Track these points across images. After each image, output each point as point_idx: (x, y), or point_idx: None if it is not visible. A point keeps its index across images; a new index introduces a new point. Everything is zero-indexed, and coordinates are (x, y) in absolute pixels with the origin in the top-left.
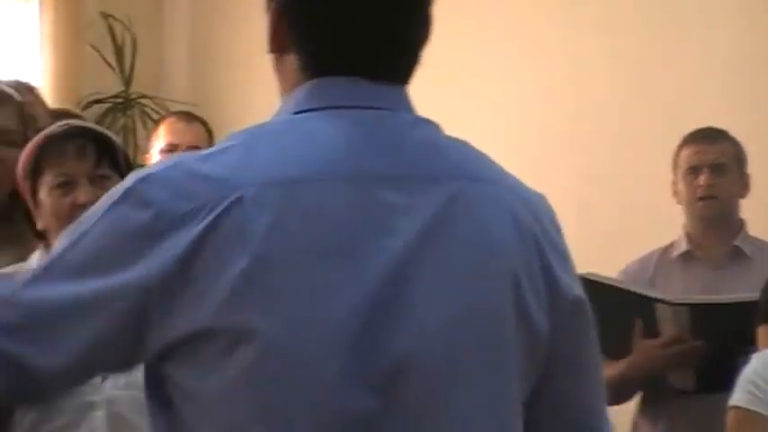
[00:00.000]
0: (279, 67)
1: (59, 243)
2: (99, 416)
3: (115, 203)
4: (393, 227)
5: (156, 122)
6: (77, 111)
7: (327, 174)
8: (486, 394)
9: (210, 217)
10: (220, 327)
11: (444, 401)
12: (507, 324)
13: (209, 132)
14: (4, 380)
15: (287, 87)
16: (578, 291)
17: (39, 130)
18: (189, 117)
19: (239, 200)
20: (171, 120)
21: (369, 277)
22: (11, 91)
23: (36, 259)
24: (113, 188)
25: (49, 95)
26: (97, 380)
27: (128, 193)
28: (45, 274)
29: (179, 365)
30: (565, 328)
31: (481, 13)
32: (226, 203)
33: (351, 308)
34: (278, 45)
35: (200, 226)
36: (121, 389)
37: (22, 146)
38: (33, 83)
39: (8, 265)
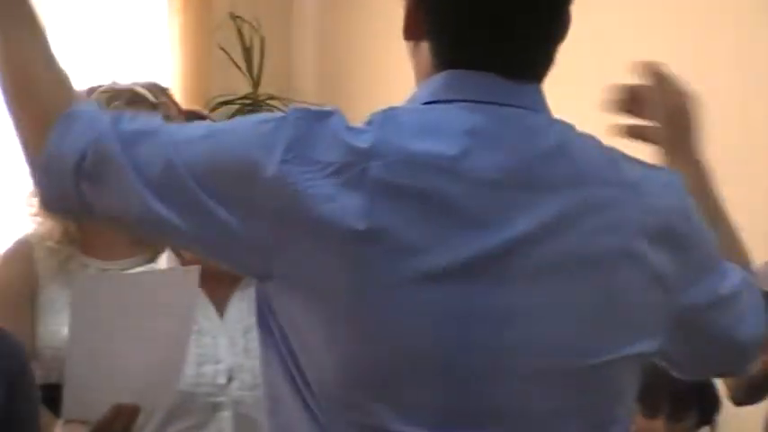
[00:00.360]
0: (414, 53)
1: None
2: (226, 416)
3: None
4: (513, 223)
5: None
6: (206, 112)
7: (454, 165)
8: None
9: (343, 177)
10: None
11: None
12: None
13: None
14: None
15: (421, 75)
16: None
17: None
18: None
19: (366, 169)
20: None
21: None
22: (145, 92)
23: (165, 260)
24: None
25: (179, 97)
26: (223, 380)
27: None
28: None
29: None
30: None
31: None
32: (357, 169)
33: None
34: (413, 32)
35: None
36: (247, 390)
37: None
38: (163, 84)
39: (138, 265)
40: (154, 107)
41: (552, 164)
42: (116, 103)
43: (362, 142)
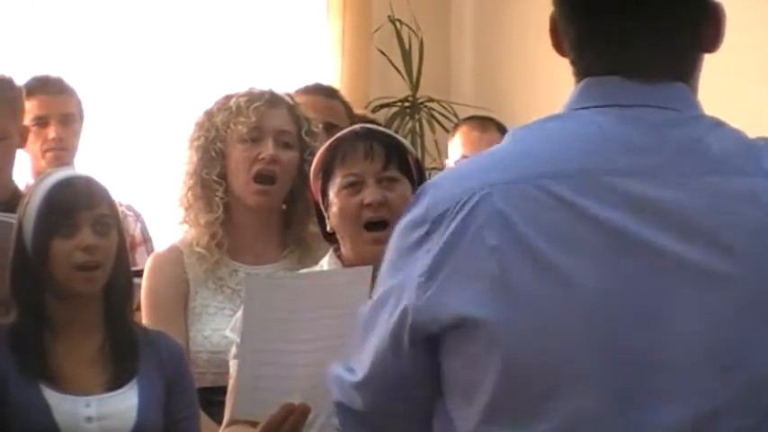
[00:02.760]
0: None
1: None
2: None
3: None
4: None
5: (453, 127)
6: (372, 115)
7: (582, 169)
8: None
9: (459, 216)
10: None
11: None
12: None
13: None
14: None
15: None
16: None
17: (312, 133)
18: (483, 124)
19: (487, 196)
20: (465, 128)
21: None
22: (283, 94)
23: (326, 262)
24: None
25: None
26: None
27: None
28: None
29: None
30: None
31: None
32: (474, 200)
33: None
34: (556, 47)
35: (451, 226)
36: None
37: (296, 147)
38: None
39: (286, 269)
40: (292, 108)
41: (683, 156)
42: (256, 104)
43: None
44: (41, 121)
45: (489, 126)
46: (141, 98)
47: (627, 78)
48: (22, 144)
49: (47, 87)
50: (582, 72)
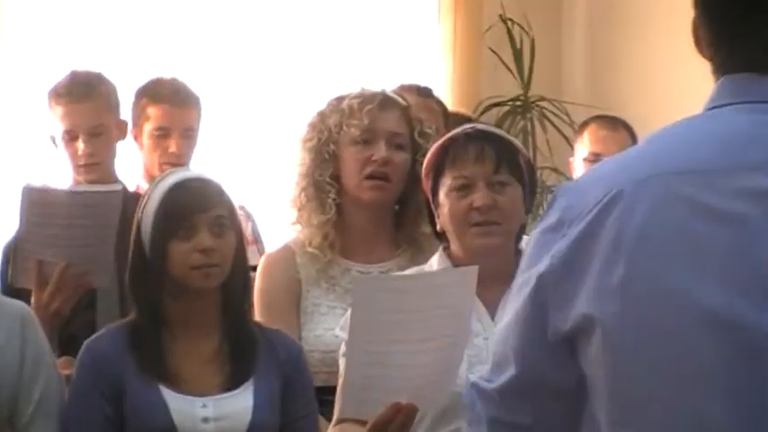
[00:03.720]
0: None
1: None
2: None
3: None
4: None
5: (580, 126)
6: (474, 115)
7: (712, 166)
8: None
9: (590, 217)
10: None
11: None
12: None
13: (634, 138)
14: None
15: None
16: None
17: (424, 134)
18: (613, 124)
19: (618, 196)
20: (593, 127)
21: None
22: (395, 96)
23: (436, 261)
24: None
25: (449, 99)
26: None
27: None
28: None
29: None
30: None
31: None
32: (605, 201)
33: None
34: (697, 46)
35: (581, 226)
36: None
37: (408, 149)
38: (432, 86)
39: (398, 267)
40: (404, 110)
41: None
42: (369, 107)
43: None
44: (163, 133)
45: (618, 125)
46: (253, 99)
47: (762, 75)
48: (122, 137)
49: (173, 98)
50: (719, 70)
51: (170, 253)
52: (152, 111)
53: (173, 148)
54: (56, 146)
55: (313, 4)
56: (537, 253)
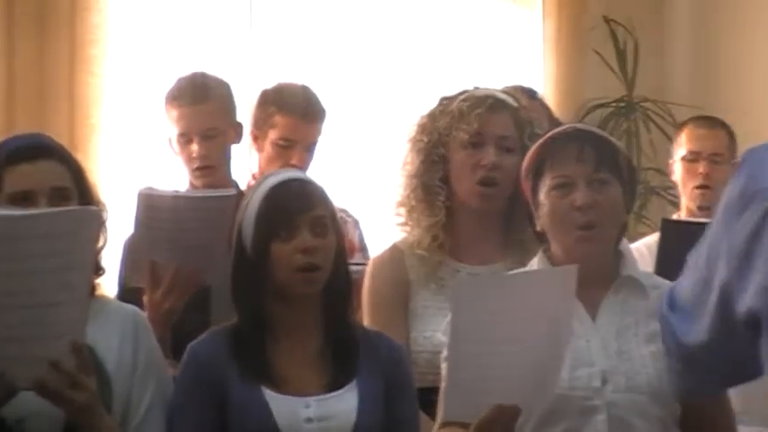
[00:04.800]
0: None
1: None
2: (600, 420)
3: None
4: None
5: (678, 127)
6: (577, 116)
7: None
8: None
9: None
10: None
11: None
12: None
13: (732, 137)
14: None
15: None
16: None
17: (535, 135)
18: (711, 122)
19: None
20: (690, 126)
21: None
22: (506, 97)
23: (536, 262)
24: None
25: (552, 100)
26: (598, 383)
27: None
28: None
29: None
30: None
31: None
32: None
33: None
34: None
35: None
36: (622, 392)
37: (518, 151)
38: (536, 88)
39: (508, 269)
40: (515, 112)
41: None
42: (478, 110)
43: None
44: (288, 144)
45: (716, 124)
46: (357, 101)
47: None
48: (237, 140)
49: (304, 112)
50: None
51: (272, 255)
52: (280, 120)
53: (294, 161)
54: (173, 150)
55: (419, 5)
56: (726, 223)
